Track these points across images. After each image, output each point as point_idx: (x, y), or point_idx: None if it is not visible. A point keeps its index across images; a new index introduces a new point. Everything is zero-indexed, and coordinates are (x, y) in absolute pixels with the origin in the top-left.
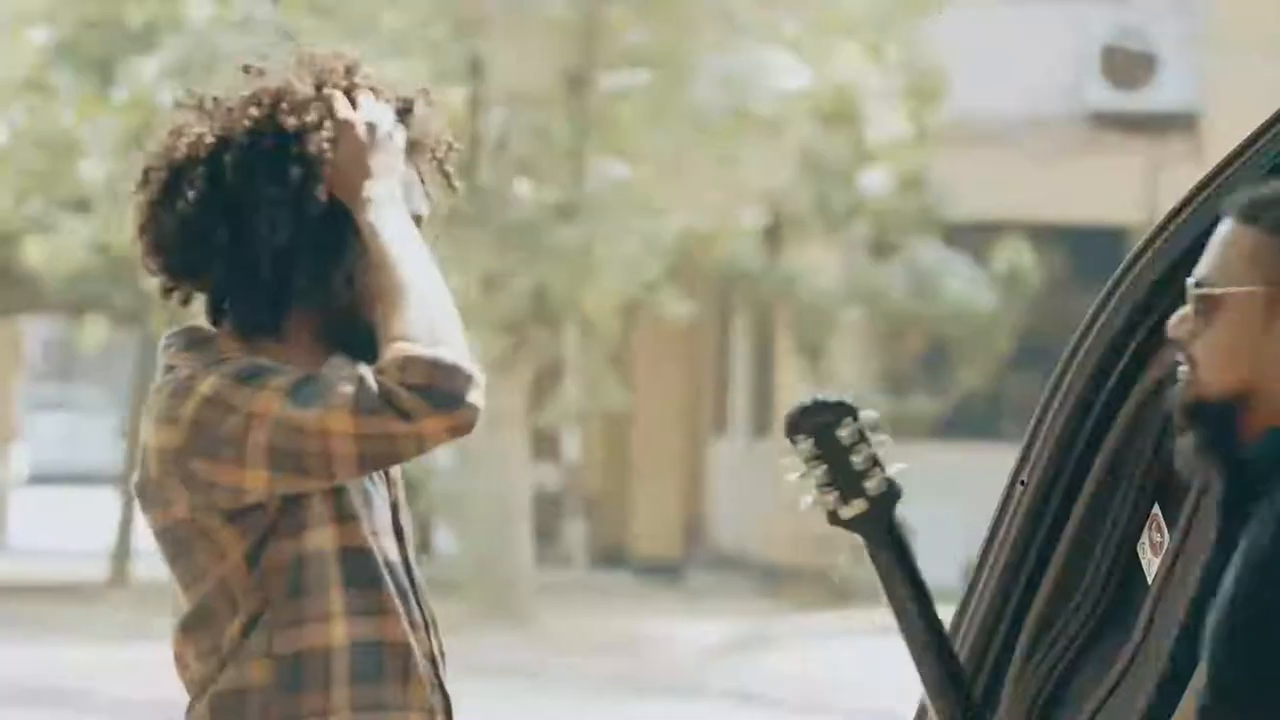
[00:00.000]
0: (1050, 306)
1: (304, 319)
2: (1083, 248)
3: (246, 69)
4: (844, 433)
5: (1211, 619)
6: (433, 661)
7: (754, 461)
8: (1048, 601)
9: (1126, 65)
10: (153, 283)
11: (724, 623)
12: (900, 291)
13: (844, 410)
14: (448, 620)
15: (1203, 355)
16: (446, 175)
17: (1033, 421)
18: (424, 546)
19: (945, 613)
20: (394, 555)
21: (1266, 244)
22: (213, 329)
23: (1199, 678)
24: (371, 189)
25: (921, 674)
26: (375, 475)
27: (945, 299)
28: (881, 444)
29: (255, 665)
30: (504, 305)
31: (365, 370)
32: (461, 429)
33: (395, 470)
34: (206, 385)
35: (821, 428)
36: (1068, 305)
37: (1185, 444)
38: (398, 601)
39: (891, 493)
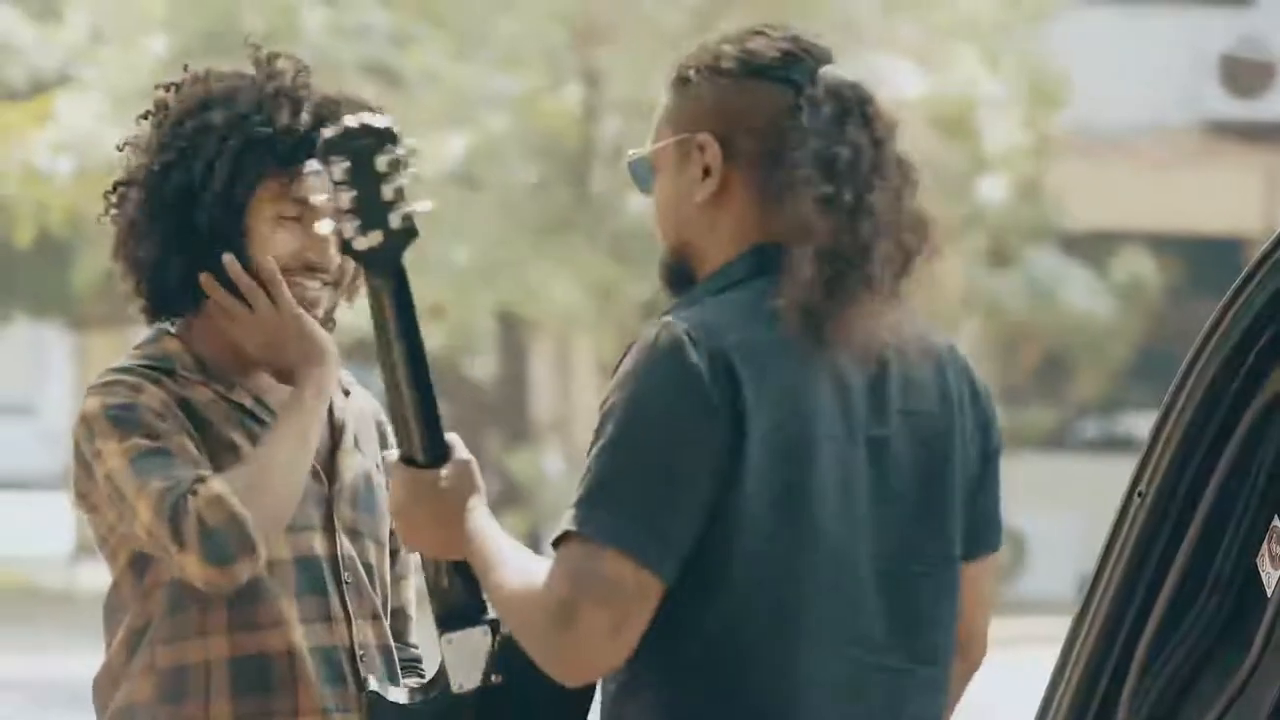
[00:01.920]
0: (1167, 316)
1: (215, 309)
2: (1200, 257)
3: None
4: (382, 159)
5: None
6: (352, 656)
7: None
8: (1165, 613)
9: (1245, 74)
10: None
11: None
12: (1018, 301)
13: (388, 136)
14: None
15: (655, 218)
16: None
17: (1151, 432)
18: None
19: (1061, 625)
20: (319, 550)
21: (669, 98)
22: (169, 328)
23: None
24: (304, 373)
25: (402, 413)
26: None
27: (1063, 308)
28: (413, 178)
29: (141, 681)
30: (616, 314)
31: (192, 482)
32: (215, 585)
33: (342, 463)
34: (88, 404)
35: (360, 151)
36: (1184, 314)
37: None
38: (292, 608)
39: (409, 229)
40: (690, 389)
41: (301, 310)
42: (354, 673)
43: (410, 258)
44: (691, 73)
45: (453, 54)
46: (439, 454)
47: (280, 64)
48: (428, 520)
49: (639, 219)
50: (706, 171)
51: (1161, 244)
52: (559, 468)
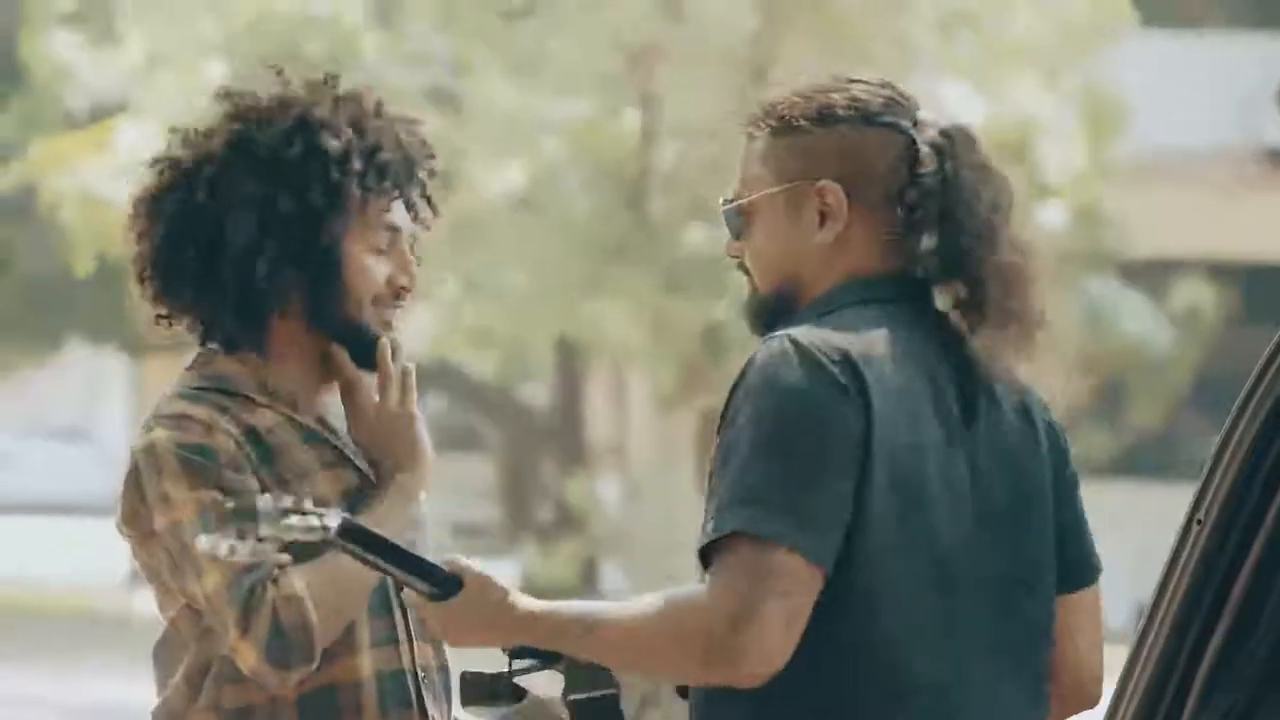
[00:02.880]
0: (1225, 343)
1: (288, 330)
2: (1259, 285)
3: (226, 94)
4: (265, 529)
5: None
6: (416, 678)
7: None
8: (1224, 642)
9: None
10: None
11: None
12: (1075, 327)
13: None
14: None
15: (752, 263)
16: (432, 173)
17: (1210, 459)
18: (589, 583)
19: (1119, 654)
20: None
21: (770, 147)
22: (216, 346)
23: None
24: (398, 478)
25: (403, 584)
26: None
27: (1120, 335)
28: (300, 521)
29: (204, 719)
30: (674, 343)
31: (273, 567)
32: (263, 680)
33: None
34: (157, 437)
35: (239, 524)
36: (1242, 342)
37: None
38: (365, 631)
39: (323, 525)
40: (828, 383)
41: (420, 415)
42: (418, 695)
43: (465, 284)
44: (802, 121)
45: (510, 80)
46: (451, 585)
47: (348, 88)
48: (477, 632)
49: (696, 247)
50: (823, 215)
51: (1220, 271)
52: (614, 494)
